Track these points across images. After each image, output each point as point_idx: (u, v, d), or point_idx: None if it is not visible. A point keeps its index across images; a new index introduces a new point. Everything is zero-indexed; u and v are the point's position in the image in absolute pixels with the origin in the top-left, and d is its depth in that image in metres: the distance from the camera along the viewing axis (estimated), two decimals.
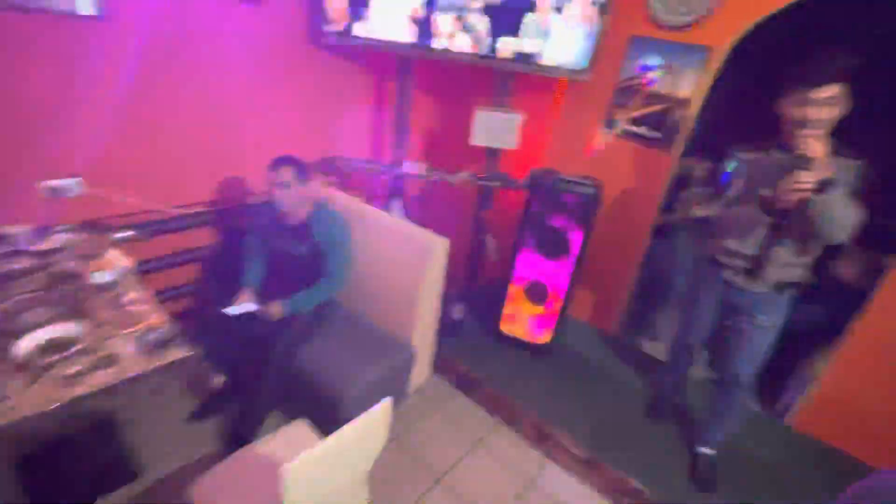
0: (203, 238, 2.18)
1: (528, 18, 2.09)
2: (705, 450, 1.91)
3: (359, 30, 2.14)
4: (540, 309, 2.34)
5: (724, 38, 1.97)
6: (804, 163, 1.29)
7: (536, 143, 2.67)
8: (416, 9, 2.11)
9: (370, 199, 2.83)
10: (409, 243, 1.87)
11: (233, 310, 1.77)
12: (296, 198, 1.79)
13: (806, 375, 2.19)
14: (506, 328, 2.46)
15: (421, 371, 2.09)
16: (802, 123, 1.33)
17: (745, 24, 1.91)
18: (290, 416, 1.53)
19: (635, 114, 2.28)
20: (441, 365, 2.29)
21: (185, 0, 1.78)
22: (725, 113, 2.47)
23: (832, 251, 2.34)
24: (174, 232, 2.04)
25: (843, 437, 2.06)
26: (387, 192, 2.71)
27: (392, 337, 1.96)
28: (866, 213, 1.36)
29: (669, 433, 2.08)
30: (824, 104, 1.30)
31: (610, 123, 2.38)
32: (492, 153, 2.53)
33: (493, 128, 2.43)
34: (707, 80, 2.07)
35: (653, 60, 2.17)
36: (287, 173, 1.74)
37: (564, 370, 2.38)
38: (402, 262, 1.89)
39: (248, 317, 1.79)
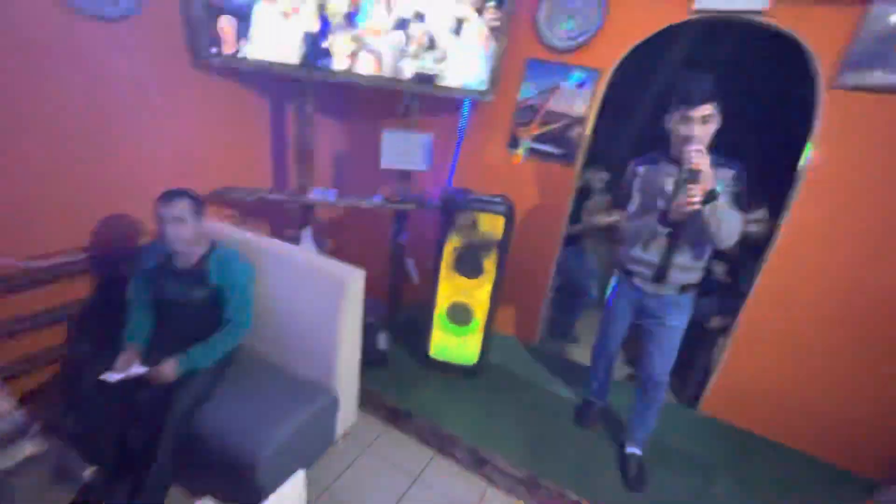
0: (72, 292, 1.84)
1: (429, 42, 2.10)
2: (633, 449, 1.98)
3: (247, 52, 1.99)
4: (465, 329, 2.31)
5: (607, 60, 2.13)
6: (693, 176, 1.41)
7: (448, 163, 2.68)
8: (308, 29, 2.02)
9: (276, 233, 2.64)
10: (321, 278, 1.74)
11: (114, 375, 1.49)
12: (191, 235, 1.58)
13: (710, 364, 2.40)
14: (433, 353, 2.40)
15: (347, 413, 1.94)
16: (687, 139, 1.46)
17: (624, 48, 2.09)
18: (195, 490, 1.31)
19: (536, 132, 2.38)
20: (368, 401, 2.15)
21: (23, 15, 1.51)
22: (616, 127, 2.68)
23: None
24: (28, 289, 1.70)
25: (748, 418, 2.27)
26: (295, 223, 2.54)
27: (310, 382, 1.79)
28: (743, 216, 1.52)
29: (600, 437, 2.13)
30: (703, 122, 1.44)
31: (514, 142, 2.46)
32: (404, 175, 2.49)
33: (403, 149, 2.40)
34: (598, 99, 2.22)
35: (546, 82, 2.29)
36: (182, 207, 1.54)
37: (495, 388, 2.36)
38: (316, 299, 1.75)
39: (135, 382, 1.53)
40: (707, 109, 1.43)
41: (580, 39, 2.14)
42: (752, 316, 2.14)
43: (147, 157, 1.96)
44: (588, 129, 2.27)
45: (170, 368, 1.55)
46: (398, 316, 2.83)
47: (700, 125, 1.44)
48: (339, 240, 3.17)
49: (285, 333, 1.85)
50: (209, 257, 1.67)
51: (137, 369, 1.55)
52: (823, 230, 1.91)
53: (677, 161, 1.51)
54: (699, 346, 2.55)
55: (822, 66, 1.76)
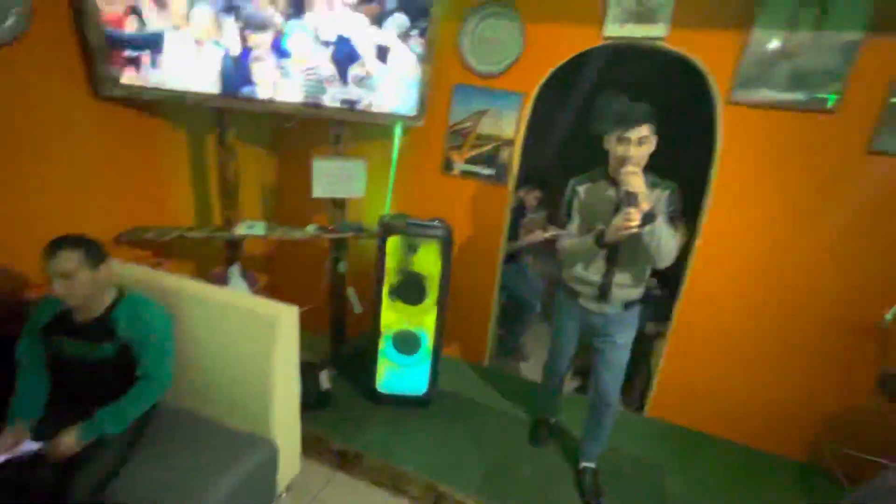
0: None
1: (355, 68, 2.08)
2: (587, 464, 1.98)
3: (158, 81, 1.86)
4: (413, 357, 2.24)
5: (530, 84, 2.22)
6: (631, 199, 1.43)
7: (384, 190, 2.64)
8: (230, 55, 1.92)
9: (201, 273, 2.45)
10: (249, 318, 1.61)
11: None
12: (86, 288, 1.39)
13: (650, 368, 2.49)
14: (381, 386, 2.29)
15: (289, 463, 1.78)
16: (623, 160, 1.49)
17: (544, 72, 2.19)
18: None
19: (468, 154, 2.41)
20: (313, 447, 2.01)
21: None
22: (545, 147, 2.79)
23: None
24: None
25: (691, 417, 2.36)
26: (222, 262, 2.36)
27: (245, 434, 1.63)
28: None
29: (556, 454, 2.12)
30: (639, 143, 1.47)
31: (448, 165, 2.48)
32: (339, 203, 2.41)
33: (335, 177, 2.33)
34: (524, 121, 2.30)
35: (475, 106, 2.34)
36: (68, 259, 1.34)
37: (448, 416, 2.29)
38: (245, 342, 1.61)
39: (29, 462, 1.31)
40: (643, 131, 1.47)
41: (503, 66, 2.22)
42: (682, 319, 2.26)
43: (36, 198, 1.74)
44: (517, 149, 2.34)
45: (71, 439, 1.34)
46: (343, 351, 2.70)
47: (636, 146, 1.47)
48: (273, 275, 3.00)
49: (213, 383, 1.69)
50: (116, 307, 1.49)
51: (29, 446, 1.33)
52: (734, 234, 2.07)
53: (616, 181, 1.54)
54: (640, 351, 2.65)
55: (718, 85, 1.94)
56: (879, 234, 1.87)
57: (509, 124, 2.30)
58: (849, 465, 1.98)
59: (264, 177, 2.74)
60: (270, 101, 2.05)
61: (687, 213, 2.35)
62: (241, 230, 2.24)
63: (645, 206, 1.44)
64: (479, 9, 2.19)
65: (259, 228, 2.21)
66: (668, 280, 2.53)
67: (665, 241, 1.49)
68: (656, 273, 2.63)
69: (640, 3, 1.91)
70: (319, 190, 2.31)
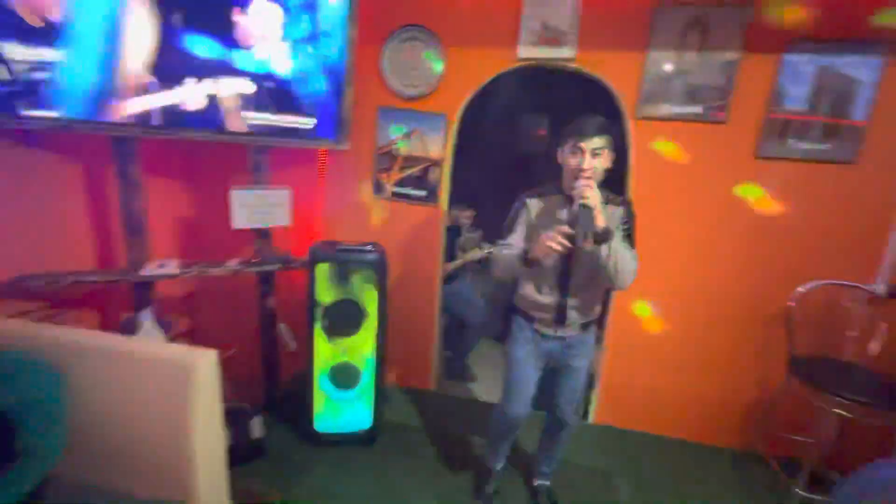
0: None
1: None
2: (543, 482, 1.96)
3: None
4: (353, 391, 2.12)
5: (453, 106, 2.26)
6: (585, 214, 1.32)
7: (314, 216, 2.53)
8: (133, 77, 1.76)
9: (108, 322, 2.18)
10: (159, 369, 1.43)
11: None
12: None
13: (593, 376, 2.54)
14: (320, 426, 2.14)
15: None
16: (577, 172, 1.41)
17: (467, 93, 2.23)
18: None
19: (398, 176, 2.39)
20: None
21: None
22: (474, 166, 2.84)
23: None
24: None
25: (633, 419, 2.42)
26: (132, 307, 2.12)
27: (158, 502, 1.43)
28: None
29: (508, 473, 2.07)
30: (593, 154, 1.41)
31: (379, 188, 2.43)
32: (263, 234, 2.27)
33: (258, 206, 2.20)
34: (451, 141, 2.32)
35: (401, 128, 2.34)
36: None
37: (395, 451, 2.17)
38: (155, 397, 1.42)
39: None
40: (598, 142, 1.41)
41: (425, 88, 2.24)
42: (615, 325, 2.34)
43: None
44: (446, 170, 2.35)
45: None
46: (278, 393, 2.50)
47: (590, 158, 1.41)
48: (197, 318, 2.75)
49: (119, 448, 1.47)
50: None
51: None
52: (652, 240, 2.20)
53: (570, 196, 1.46)
54: None
55: (625, 102, 2.08)
56: (773, 230, 2.07)
57: (436, 145, 2.31)
58: (775, 445, 2.11)
59: (178, 210, 2.52)
60: (176, 128, 1.90)
61: None
62: (149, 271, 2.03)
63: (600, 222, 1.34)
64: (398, 32, 2.21)
65: (171, 268, 2.01)
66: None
67: (623, 260, 1.41)
68: None
69: (547, 27, 2.02)
70: (241, 220, 2.16)
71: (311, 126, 2.16)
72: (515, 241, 1.56)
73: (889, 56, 1.82)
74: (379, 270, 2.00)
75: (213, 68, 1.89)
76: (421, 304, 2.55)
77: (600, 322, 2.36)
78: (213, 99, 1.93)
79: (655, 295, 2.25)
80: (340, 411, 2.14)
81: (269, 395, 2.47)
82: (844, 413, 1.82)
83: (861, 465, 1.91)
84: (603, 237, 1.36)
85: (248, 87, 1.97)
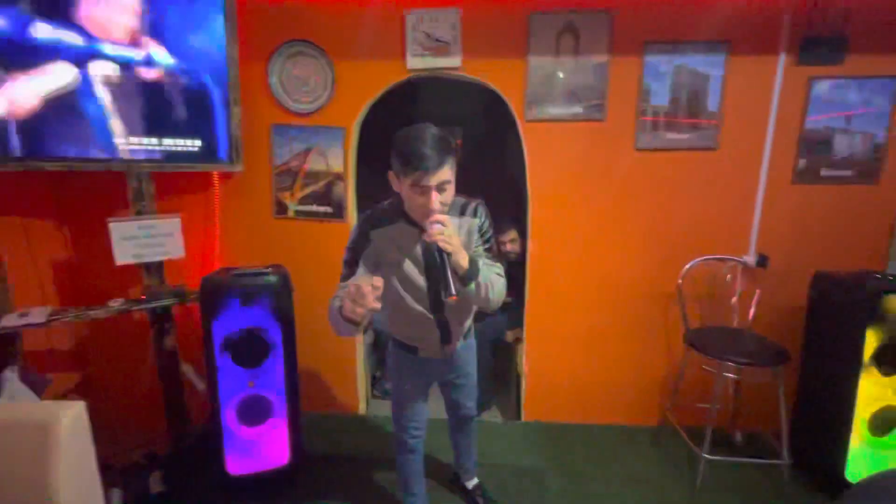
0: None
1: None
2: (474, 480, 1.94)
3: None
4: (265, 425, 1.97)
5: (348, 119, 2.23)
6: (446, 269, 1.17)
7: (211, 245, 2.37)
8: None
9: None
10: (11, 431, 1.23)
11: None
12: None
13: (518, 374, 2.57)
14: (233, 468, 1.96)
15: None
16: (426, 211, 1.21)
17: (360, 106, 2.22)
18: None
19: (300, 194, 2.31)
20: None
21: None
22: (378, 177, 2.81)
23: None
24: None
25: (561, 412, 2.47)
26: None
27: None
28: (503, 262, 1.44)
29: (436, 490, 2.02)
30: (441, 190, 1.21)
31: (281, 208, 2.34)
32: (153, 268, 2.08)
33: (143, 239, 2.02)
34: (351, 154, 2.29)
35: (298, 144, 2.27)
36: None
37: (320, 487, 2.03)
38: (8, 464, 1.23)
39: None
40: (445, 174, 1.19)
41: (317, 103, 2.20)
42: (532, 321, 2.40)
43: None
44: (350, 183, 2.31)
45: None
46: (187, 439, 2.28)
47: (437, 193, 1.20)
48: (87, 370, 2.44)
49: None
50: None
51: None
52: (555, 234, 2.30)
53: (415, 222, 1.31)
54: (506, 361, 2.74)
55: (514, 105, 2.17)
56: (657, 216, 2.23)
57: (336, 159, 2.27)
58: (684, 416, 2.25)
59: (46, 251, 2.24)
60: (29, 159, 1.71)
61: (513, 221, 2.57)
62: (14, 321, 1.78)
63: (464, 263, 1.22)
64: (283, 48, 2.16)
65: (35, 316, 1.78)
66: (518, 288, 2.69)
67: (495, 286, 1.33)
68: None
69: (430, 37, 2.07)
70: (124, 255, 1.97)
71: (198, 148, 2.04)
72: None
73: (730, 53, 2.06)
74: (282, 294, 1.90)
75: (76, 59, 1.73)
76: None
77: (520, 319, 2.43)
78: (81, 115, 1.76)
79: (565, 282, 2.34)
80: (254, 449, 1.98)
81: (177, 443, 2.24)
82: (734, 375, 1.98)
83: (757, 420, 2.07)
84: (470, 276, 1.24)
85: (120, 94, 1.82)
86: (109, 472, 1.91)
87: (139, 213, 2.03)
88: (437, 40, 2.09)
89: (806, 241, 2.19)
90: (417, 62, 2.12)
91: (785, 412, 1.87)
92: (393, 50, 2.14)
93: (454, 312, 1.46)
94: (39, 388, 1.87)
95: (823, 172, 2.14)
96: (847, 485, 1.87)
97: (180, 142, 2.01)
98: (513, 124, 2.21)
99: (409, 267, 1.37)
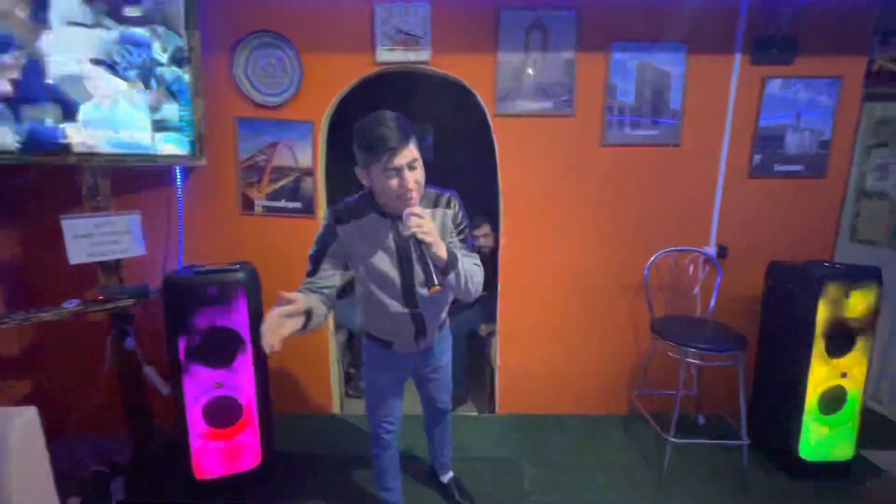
0: None
1: (88, 111, 1.77)
2: (450, 473, 1.95)
3: None
4: (237, 427, 1.91)
5: (317, 112, 2.19)
6: (426, 259, 1.17)
7: (174, 243, 2.28)
8: None
9: None
10: None
11: None
12: None
13: (492, 368, 2.59)
14: (201, 473, 1.90)
15: None
16: (402, 196, 1.21)
17: (329, 100, 2.18)
18: None
19: (268, 190, 2.25)
20: None
21: None
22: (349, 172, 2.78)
23: None
24: None
25: (534, 403, 2.51)
26: None
27: None
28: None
29: (413, 485, 2.02)
30: (410, 168, 1.21)
31: (248, 204, 2.27)
32: (110, 267, 1.99)
33: (99, 237, 1.92)
34: (321, 148, 2.25)
35: (265, 138, 2.21)
36: None
37: (294, 485, 2.00)
38: None
39: None
40: (412, 152, 1.20)
41: (284, 95, 2.15)
42: (505, 314, 2.42)
43: None
44: (319, 178, 2.27)
45: None
46: (151, 444, 2.18)
47: (410, 172, 1.20)
48: (40, 379, 2.30)
49: None
50: None
51: None
52: (525, 227, 2.33)
53: (390, 214, 1.31)
54: (480, 355, 2.76)
55: (484, 100, 2.19)
56: (620, 206, 2.30)
57: (305, 154, 2.22)
58: (652, 403, 2.33)
59: None
60: None
61: (486, 216, 2.59)
62: None
63: (443, 254, 1.20)
64: (248, 39, 2.10)
65: None
66: (487, 281, 2.71)
67: (473, 276, 1.31)
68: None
69: (399, 30, 2.06)
70: (78, 254, 1.87)
71: (160, 141, 1.95)
72: (323, 279, 1.32)
73: (689, 52, 2.14)
74: (248, 290, 1.84)
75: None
76: None
77: (493, 313, 2.45)
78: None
79: (533, 281, 2.37)
80: (223, 452, 1.92)
81: (140, 449, 2.15)
82: (697, 361, 2.06)
83: (719, 404, 2.16)
84: (450, 266, 1.23)
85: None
86: (68, 481, 1.82)
87: (94, 210, 1.93)
88: (407, 34, 2.08)
89: (761, 233, 2.31)
90: (387, 56, 2.10)
91: (744, 395, 1.96)
92: (362, 43, 2.12)
93: (429, 306, 1.44)
94: None
95: (776, 167, 2.26)
96: (802, 461, 1.99)
97: (139, 135, 1.92)
98: (484, 120, 2.23)
99: (383, 260, 1.35)
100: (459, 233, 1.39)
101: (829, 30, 2.12)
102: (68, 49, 1.74)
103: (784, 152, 2.24)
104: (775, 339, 2.15)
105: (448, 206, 1.38)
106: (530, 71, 2.15)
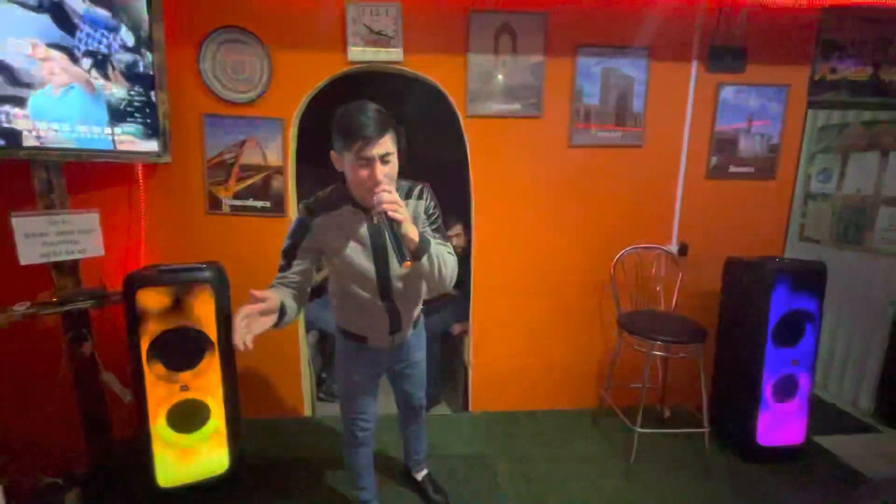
0: None
1: (40, 100, 1.68)
2: (422, 473, 1.94)
3: None
4: (202, 432, 1.85)
5: (287, 110, 2.17)
6: (399, 237, 1.16)
7: (136, 243, 2.19)
8: None
9: None
10: None
11: None
12: None
13: (465, 367, 2.61)
14: (164, 481, 1.82)
15: None
16: (372, 185, 1.19)
17: (299, 98, 2.16)
18: None
19: (236, 188, 2.21)
20: None
21: None
22: (320, 171, 2.75)
23: None
24: None
25: (507, 401, 2.54)
26: None
27: None
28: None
29: (388, 485, 2.00)
30: (384, 162, 1.21)
31: (215, 203, 2.21)
32: (65, 268, 1.89)
33: (53, 236, 1.83)
34: (291, 147, 2.22)
35: (233, 136, 2.17)
36: None
37: (264, 492, 1.94)
38: None
39: None
40: (386, 146, 1.19)
41: (254, 93, 2.12)
42: (477, 313, 2.45)
43: None
44: (289, 177, 2.24)
45: None
46: (112, 456, 2.08)
47: (381, 165, 1.20)
48: None
49: None
50: None
51: None
52: (497, 226, 2.37)
53: (361, 205, 1.31)
54: (452, 354, 2.78)
55: (455, 101, 2.22)
56: (590, 206, 2.38)
57: (274, 152, 2.19)
58: (621, 396, 2.40)
59: None
60: None
61: (458, 215, 2.62)
62: None
63: (414, 235, 1.19)
64: (216, 34, 2.06)
65: None
66: (460, 281, 2.73)
67: (446, 262, 1.30)
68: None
69: (371, 30, 2.07)
70: (30, 254, 1.78)
71: (120, 135, 1.88)
72: (295, 271, 1.33)
73: (650, 58, 2.24)
74: (215, 289, 1.80)
75: None
76: None
77: (466, 312, 2.47)
78: None
79: (507, 274, 2.42)
80: (189, 458, 1.85)
81: (98, 459, 2.04)
82: (662, 353, 2.14)
83: (683, 396, 2.24)
84: (422, 250, 1.22)
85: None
86: (19, 495, 1.71)
87: (48, 207, 1.84)
88: (379, 33, 2.09)
89: (719, 231, 2.43)
90: (358, 54, 2.11)
91: (705, 385, 2.05)
92: (333, 41, 2.11)
93: (403, 299, 1.44)
94: None
95: (731, 169, 2.39)
96: (759, 447, 2.09)
97: (96, 129, 1.84)
98: (454, 120, 2.26)
99: (357, 252, 1.34)
100: (432, 223, 1.39)
101: (776, 40, 2.27)
102: (19, 28, 1.64)
103: (738, 155, 2.37)
104: (733, 332, 2.26)
105: (420, 196, 1.38)
106: (500, 74, 2.20)
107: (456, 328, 2.67)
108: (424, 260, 1.23)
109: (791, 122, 2.36)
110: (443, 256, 1.29)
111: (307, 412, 2.52)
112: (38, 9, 1.65)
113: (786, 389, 2.08)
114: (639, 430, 2.03)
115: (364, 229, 1.33)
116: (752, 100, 2.32)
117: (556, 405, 2.56)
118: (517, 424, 2.45)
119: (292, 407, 2.48)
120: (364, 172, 1.20)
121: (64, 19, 1.71)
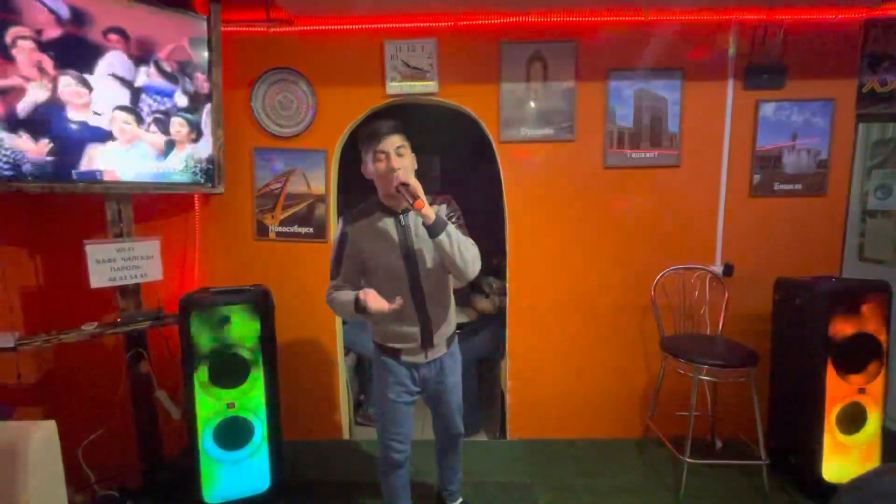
0: None
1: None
2: (455, 502, 1.90)
3: None
4: (247, 449, 1.91)
5: (330, 142, 2.31)
6: (408, 194, 1.33)
7: (191, 268, 2.35)
8: None
9: None
10: None
11: None
12: None
13: (503, 392, 2.57)
14: (210, 496, 1.88)
15: None
16: (390, 172, 1.39)
17: (342, 130, 2.30)
18: None
19: (282, 216, 2.34)
20: None
21: None
22: (361, 199, 2.86)
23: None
24: None
25: (545, 428, 2.47)
26: None
27: None
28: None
29: None
30: (398, 154, 1.40)
31: (262, 230, 2.35)
32: (129, 291, 2.05)
33: (120, 262, 2.00)
34: (333, 176, 2.34)
35: (280, 167, 2.32)
36: None
37: None
38: None
39: None
40: (397, 140, 1.41)
41: (300, 127, 2.28)
42: (513, 337, 2.43)
43: None
44: (332, 204, 2.35)
45: None
46: (162, 472, 2.17)
47: (397, 157, 1.40)
48: (55, 401, 2.33)
49: None
50: None
51: None
52: (533, 251, 2.37)
53: (391, 210, 1.48)
54: (489, 379, 2.74)
55: (489, 128, 2.29)
56: (626, 228, 2.34)
57: (318, 181, 2.32)
58: (667, 424, 2.28)
59: (15, 277, 2.18)
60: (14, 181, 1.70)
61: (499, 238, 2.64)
62: None
63: (430, 214, 1.34)
64: (266, 75, 2.24)
65: (4, 340, 1.72)
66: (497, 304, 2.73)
67: (466, 245, 1.40)
68: (486, 294, 2.85)
69: (407, 64, 2.19)
70: (100, 279, 1.94)
71: (183, 169, 2.06)
72: (345, 278, 1.52)
73: (684, 79, 2.24)
74: (261, 310, 1.89)
75: None
76: (320, 347, 2.44)
77: (503, 335, 2.46)
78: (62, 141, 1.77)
79: (540, 303, 2.39)
80: (233, 475, 1.91)
81: (150, 475, 2.13)
82: (709, 377, 2.04)
83: (736, 428, 2.11)
84: (439, 226, 1.34)
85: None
86: None
87: (117, 236, 2.01)
88: (415, 68, 2.21)
89: (766, 250, 2.33)
90: (396, 87, 2.23)
91: (759, 414, 1.92)
92: (373, 77, 2.25)
93: (433, 300, 1.52)
94: (1, 417, 1.78)
95: (776, 186, 2.30)
96: (824, 482, 1.92)
97: (165, 165, 2.03)
98: (487, 149, 2.31)
99: (387, 252, 1.47)
100: (455, 223, 1.49)
101: (816, 55, 2.22)
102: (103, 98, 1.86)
103: (783, 172, 2.29)
104: (789, 357, 2.12)
105: (440, 203, 1.52)
106: (532, 100, 2.25)
107: (492, 352, 2.64)
108: (444, 237, 1.35)
109: (840, 137, 2.27)
110: (463, 241, 1.40)
111: (346, 436, 2.54)
112: (123, 83, 1.88)
113: (851, 420, 1.92)
114: (688, 460, 1.92)
115: (394, 230, 1.48)
116: (795, 115, 2.26)
117: (596, 433, 2.46)
118: (557, 453, 2.37)
119: (331, 430, 2.51)
120: (381, 165, 1.41)
121: (132, 89, 1.93)
